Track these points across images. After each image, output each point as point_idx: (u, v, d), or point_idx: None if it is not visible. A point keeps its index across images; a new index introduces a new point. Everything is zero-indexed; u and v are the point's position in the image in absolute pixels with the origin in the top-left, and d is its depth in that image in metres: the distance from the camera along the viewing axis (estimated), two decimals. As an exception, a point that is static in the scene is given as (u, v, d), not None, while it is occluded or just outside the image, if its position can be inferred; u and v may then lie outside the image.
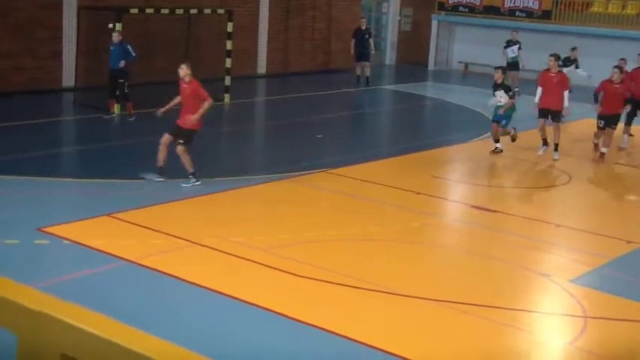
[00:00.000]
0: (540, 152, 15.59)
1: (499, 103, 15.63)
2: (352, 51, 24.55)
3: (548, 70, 15.63)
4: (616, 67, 16.13)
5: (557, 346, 8.00)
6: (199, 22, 21.52)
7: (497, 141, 15.73)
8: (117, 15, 17.65)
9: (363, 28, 24.70)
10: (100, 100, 17.62)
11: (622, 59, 18.05)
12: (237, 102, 20.19)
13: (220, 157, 15.46)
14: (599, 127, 16.13)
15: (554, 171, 15.08)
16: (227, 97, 19.97)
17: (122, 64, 17.26)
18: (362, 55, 24.42)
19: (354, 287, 8.62)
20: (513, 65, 23.48)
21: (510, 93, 15.78)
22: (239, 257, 9.31)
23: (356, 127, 20.20)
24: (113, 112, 17.58)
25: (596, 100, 16.26)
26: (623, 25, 26.33)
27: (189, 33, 21.20)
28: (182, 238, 9.79)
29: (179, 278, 8.58)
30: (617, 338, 8.10)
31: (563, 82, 15.46)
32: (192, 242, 9.71)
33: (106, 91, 17.56)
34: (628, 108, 16.65)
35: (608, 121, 15.80)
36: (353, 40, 24.48)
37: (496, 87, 15.82)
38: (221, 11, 20.17)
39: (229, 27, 19.79)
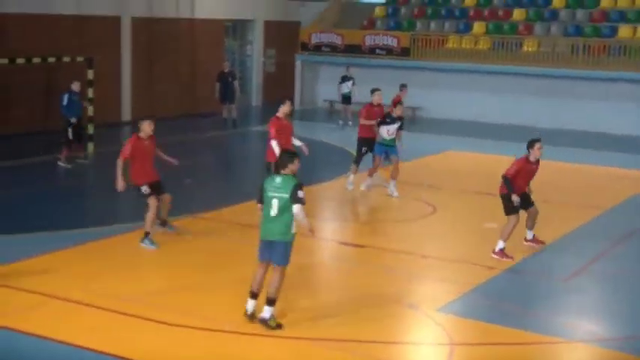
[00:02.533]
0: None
1: None
2: (217, 94, 24.57)
3: None
4: (535, 140, 12.09)
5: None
6: (59, 71, 21.02)
7: None
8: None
9: (226, 70, 24.77)
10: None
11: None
12: (102, 151, 19.73)
13: (84, 206, 15.07)
14: (511, 211, 12.00)
15: (419, 204, 15.47)
16: (91, 146, 19.52)
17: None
18: (227, 97, 24.48)
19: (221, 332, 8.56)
20: (347, 99, 25.12)
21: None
22: (101, 309, 9.08)
23: (224, 170, 20.10)
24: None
25: (506, 183, 11.94)
26: (476, 58, 27.53)
27: (49, 82, 20.70)
28: (40, 293, 9.48)
29: (35, 335, 8.28)
30: (482, 362, 8.37)
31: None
32: (50, 296, 9.41)
33: None
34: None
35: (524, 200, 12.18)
36: (217, 84, 24.52)
37: None
38: (80, 59, 19.76)
39: (90, 74, 19.43)
